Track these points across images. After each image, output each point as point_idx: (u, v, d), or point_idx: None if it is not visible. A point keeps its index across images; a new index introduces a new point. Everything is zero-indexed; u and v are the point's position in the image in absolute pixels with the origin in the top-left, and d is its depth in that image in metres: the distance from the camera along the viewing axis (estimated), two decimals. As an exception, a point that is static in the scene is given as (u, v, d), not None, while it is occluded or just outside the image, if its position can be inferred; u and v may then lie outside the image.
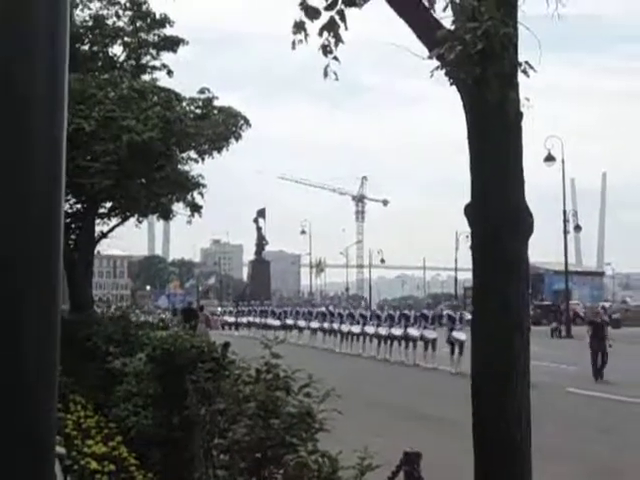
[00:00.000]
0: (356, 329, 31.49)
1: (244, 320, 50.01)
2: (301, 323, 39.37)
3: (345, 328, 32.52)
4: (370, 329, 30.25)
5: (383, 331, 29.18)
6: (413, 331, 27.34)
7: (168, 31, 16.96)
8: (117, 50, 17.18)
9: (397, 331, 28.15)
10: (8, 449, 1.53)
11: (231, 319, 53.83)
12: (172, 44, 17.09)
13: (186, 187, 16.79)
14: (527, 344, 4.57)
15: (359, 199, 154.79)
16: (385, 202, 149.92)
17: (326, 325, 35.33)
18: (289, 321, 41.18)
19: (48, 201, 1.55)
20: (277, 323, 42.01)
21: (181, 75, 17.85)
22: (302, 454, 5.27)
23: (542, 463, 5.35)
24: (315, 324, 36.82)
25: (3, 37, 1.47)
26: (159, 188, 15.85)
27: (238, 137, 16.18)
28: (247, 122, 16.28)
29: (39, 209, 1.53)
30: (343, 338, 32.66)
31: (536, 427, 4.67)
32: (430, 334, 26.10)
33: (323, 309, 41.17)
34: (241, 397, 6.04)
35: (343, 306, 50.53)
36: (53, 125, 1.55)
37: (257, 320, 46.57)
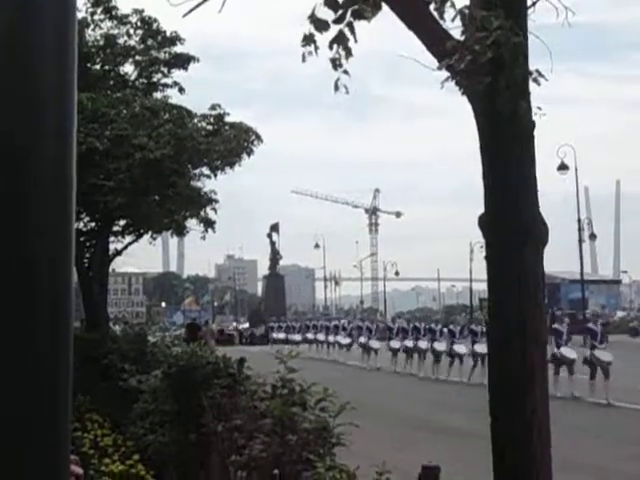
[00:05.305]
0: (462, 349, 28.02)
1: (296, 337, 44.74)
2: (374, 344, 33.29)
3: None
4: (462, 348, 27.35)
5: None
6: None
7: (179, 49, 17.09)
8: (128, 69, 17.33)
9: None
10: (22, 470, 1.52)
11: (281, 335, 48.60)
12: (183, 61, 17.18)
13: (199, 203, 16.84)
14: (544, 355, 4.52)
15: (372, 212, 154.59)
16: (398, 214, 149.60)
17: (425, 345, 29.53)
18: (362, 339, 34.77)
19: (58, 216, 1.54)
20: (346, 341, 36.81)
21: (192, 91, 17.93)
22: (319, 470, 5.22)
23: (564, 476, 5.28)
24: (410, 344, 30.59)
25: (6, 61, 1.47)
26: (172, 205, 15.91)
27: (250, 152, 16.22)
28: (259, 137, 16.32)
29: (49, 224, 1.53)
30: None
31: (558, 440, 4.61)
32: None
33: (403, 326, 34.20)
34: (257, 413, 6.01)
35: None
36: (62, 143, 1.54)
37: (312, 336, 41.99)
